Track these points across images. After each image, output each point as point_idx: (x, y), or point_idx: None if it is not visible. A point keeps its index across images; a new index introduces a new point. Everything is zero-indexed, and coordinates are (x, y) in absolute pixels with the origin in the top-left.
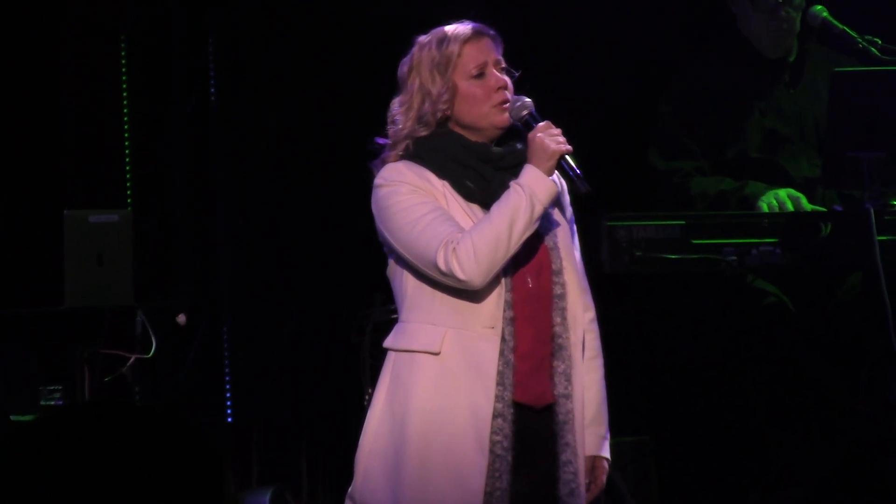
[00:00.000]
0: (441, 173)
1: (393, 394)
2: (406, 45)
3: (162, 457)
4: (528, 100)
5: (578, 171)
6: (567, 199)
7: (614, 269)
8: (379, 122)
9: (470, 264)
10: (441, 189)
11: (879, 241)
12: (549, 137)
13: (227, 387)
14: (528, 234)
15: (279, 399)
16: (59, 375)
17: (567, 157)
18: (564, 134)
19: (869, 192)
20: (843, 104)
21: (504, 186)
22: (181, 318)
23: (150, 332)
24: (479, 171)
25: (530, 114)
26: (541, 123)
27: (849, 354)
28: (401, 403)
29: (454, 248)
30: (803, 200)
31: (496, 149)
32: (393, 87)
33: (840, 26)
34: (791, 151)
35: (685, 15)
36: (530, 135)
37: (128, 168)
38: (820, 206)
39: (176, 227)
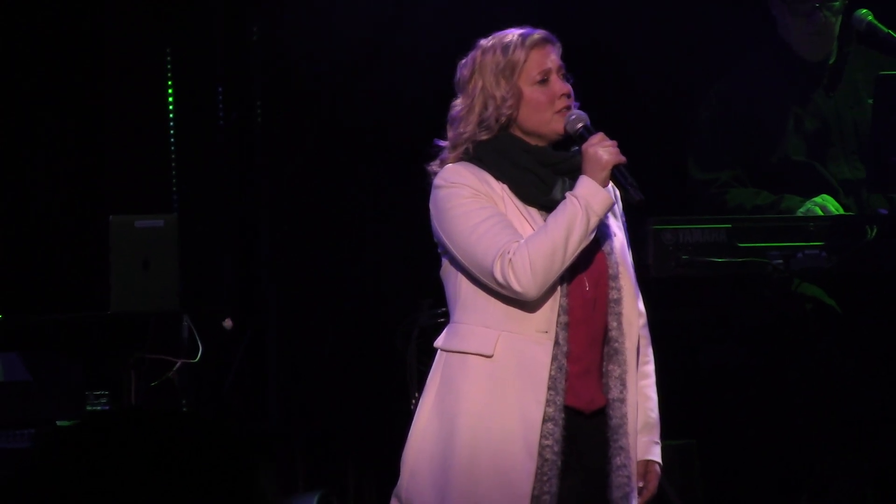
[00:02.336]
0: (500, 176)
1: (443, 395)
2: (447, 50)
3: (189, 464)
4: (583, 113)
5: (632, 182)
6: (620, 205)
7: (660, 273)
8: (421, 128)
9: (525, 277)
10: (500, 192)
11: None
12: (603, 149)
13: (273, 391)
14: (583, 245)
15: (325, 403)
16: (106, 381)
17: (621, 167)
18: (615, 140)
19: None
20: (887, 107)
21: (563, 189)
22: (227, 323)
23: (197, 337)
24: (539, 174)
25: (585, 126)
26: (595, 135)
27: (892, 357)
28: (450, 405)
29: (510, 260)
30: (830, 205)
31: (556, 152)
32: (439, 91)
33: (885, 30)
34: (831, 155)
35: (728, 19)
36: (584, 146)
37: (173, 173)
38: (865, 209)
39: (221, 232)
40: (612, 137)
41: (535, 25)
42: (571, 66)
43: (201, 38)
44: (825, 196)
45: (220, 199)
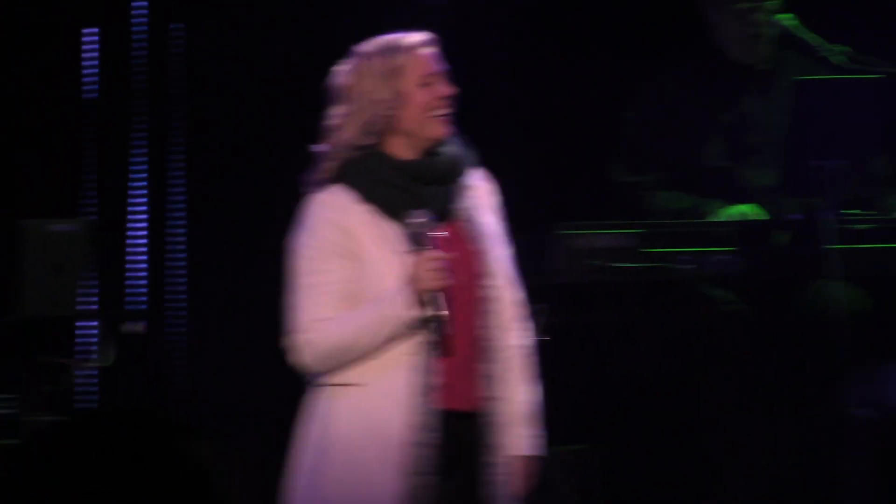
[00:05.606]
0: (368, 196)
1: (312, 429)
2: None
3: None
4: (426, 216)
5: (440, 313)
6: (497, 202)
7: (570, 279)
8: None
9: (316, 360)
10: (362, 229)
11: (838, 249)
12: (426, 272)
13: (184, 397)
14: (380, 348)
15: (236, 410)
16: (14, 385)
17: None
18: (532, 139)
19: (829, 201)
20: (806, 112)
21: (435, 201)
22: (139, 327)
23: (109, 342)
24: (410, 189)
25: (418, 234)
26: (426, 251)
27: (804, 363)
28: (321, 439)
29: (309, 338)
30: (751, 214)
31: (427, 161)
32: None
33: (801, 35)
34: (758, 160)
35: (646, 24)
36: (411, 257)
37: (88, 177)
38: (781, 214)
39: (135, 236)
40: (541, 136)
41: (449, 19)
42: (495, 67)
43: (119, 37)
44: (751, 205)
45: (135, 202)
